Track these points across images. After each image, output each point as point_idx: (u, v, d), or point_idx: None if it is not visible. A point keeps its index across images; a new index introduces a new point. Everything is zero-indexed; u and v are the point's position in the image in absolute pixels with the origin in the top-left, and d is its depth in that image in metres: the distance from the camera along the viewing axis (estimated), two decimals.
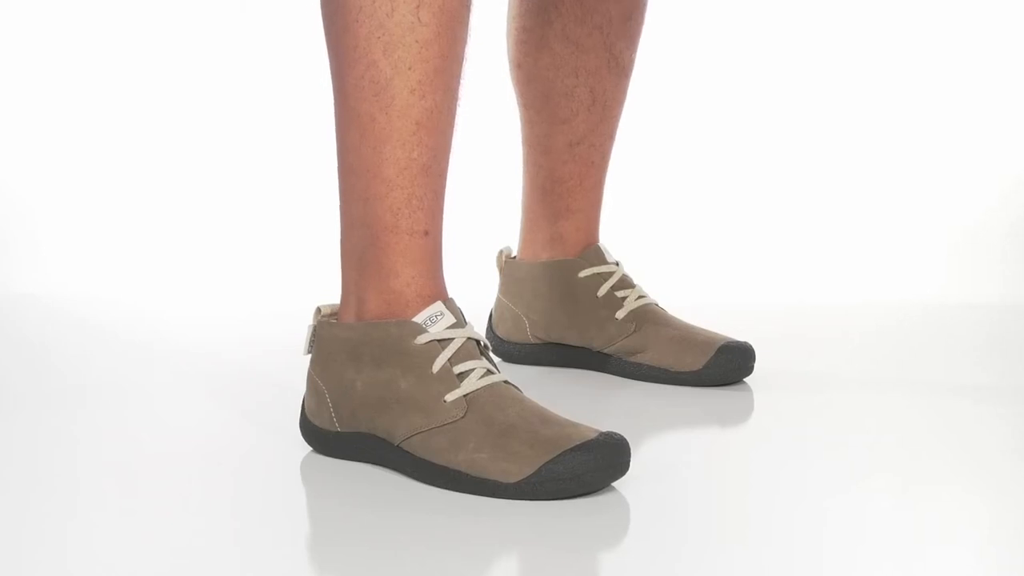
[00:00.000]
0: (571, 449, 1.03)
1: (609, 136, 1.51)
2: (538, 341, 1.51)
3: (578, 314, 1.49)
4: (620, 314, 1.46)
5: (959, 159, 2.40)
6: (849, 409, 1.37)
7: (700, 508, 1.04)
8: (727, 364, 1.42)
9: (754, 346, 1.44)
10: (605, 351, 1.48)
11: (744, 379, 1.45)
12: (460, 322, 1.11)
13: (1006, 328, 1.92)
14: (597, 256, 1.49)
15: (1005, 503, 1.07)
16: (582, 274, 1.49)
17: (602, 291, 1.48)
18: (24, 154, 2.37)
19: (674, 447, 1.25)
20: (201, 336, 1.79)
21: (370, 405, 1.10)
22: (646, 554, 0.93)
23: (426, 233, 1.12)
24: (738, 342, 1.43)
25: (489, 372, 1.10)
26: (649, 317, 1.47)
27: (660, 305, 1.50)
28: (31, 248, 2.25)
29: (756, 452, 1.20)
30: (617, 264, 1.50)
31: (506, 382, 1.11)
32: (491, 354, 1.14)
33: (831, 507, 1.04)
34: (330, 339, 1.14)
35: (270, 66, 2.39)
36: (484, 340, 1.13)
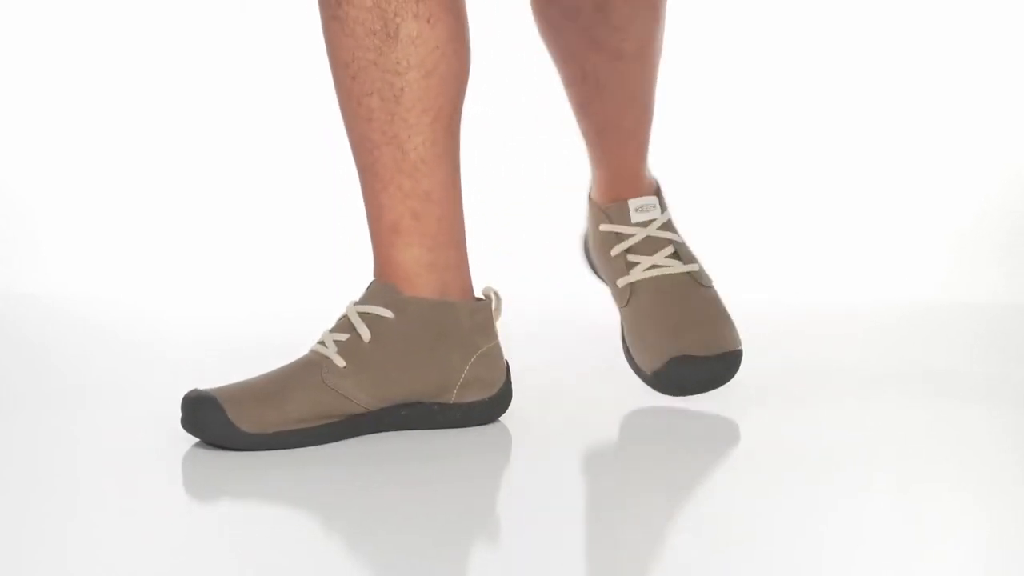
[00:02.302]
0: None
1: (618, 109, 1.44)
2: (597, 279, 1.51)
3: (603, 267, 1.46)
4: (621, 282, 1.41)
5: (958, 158, 2.40)
6: (848, 409, 1.37)
7: (698, 507, 1.04)
8: (675, 378, 1.34)
9: (748, 345, 1.38)
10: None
11: (705, 391, 1.36)
12: None
13: (1005, 326, 1.92)
14: (621, 214, 1.42)
15: (1005, 502, 1.07)
16: (602, 228, 1.44)
17: (615, 252, 1.42)
18: (24, 154, 2.37)
19: (669, 446, 1.25)
20: (201, 336, 1.79)
21: None
22: (645, 553, 0.93)
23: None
24: (700, 357, 1.33)
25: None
26: (646, 293, 1.40)
27: (698, 276, 1.40)
28: (31, 248, 2.25)
29: (754, 451, 1.20)
30: (647, 224, 1.41)
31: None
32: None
33: (829, 507, 1.04)
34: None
35: (270, 66, 2.39)
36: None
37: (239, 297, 2.11)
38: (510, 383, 1.29)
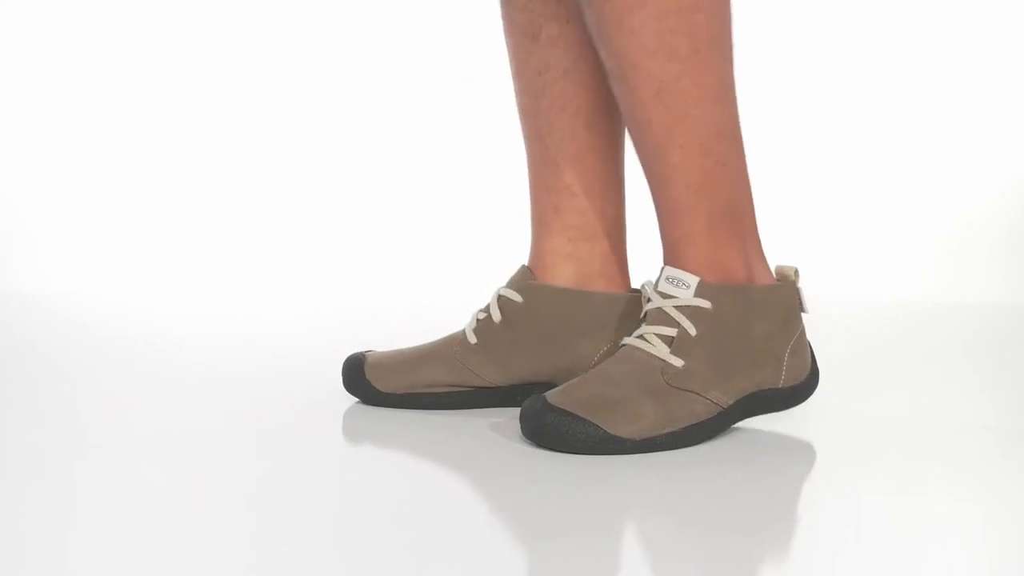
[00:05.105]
0: None
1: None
2: None
3: None
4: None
5: (956, 159, 2.41)
6: (842, 408, 1.37)
7: (693, 505, 1.04)
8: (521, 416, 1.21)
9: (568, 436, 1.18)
10: None
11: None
12: None
13: (1000, 327, 1.93)
14: (658, 278, 1.29)
15: (1001, 502, 1.07)
16: None
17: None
18: (23, 154, 2.37)
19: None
20: (201, 336, 1.79)
21: None
22: (641, 550, 0.94)
23: None
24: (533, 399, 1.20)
25: None
26: (612, 358, 1.26)
27: (670, 372, 1.20)
28: (31, 248, 2.25)
29: (748, 452, 1.20)
30: (667, 298, 1.23)
31: None
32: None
33: (825, 506, 1.05)
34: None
35: (269, 66, 2.39)
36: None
37: (239, 297, 2.11)
38: None
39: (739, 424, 1.32)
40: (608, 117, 1.32)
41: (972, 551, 0.96)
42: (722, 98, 1.24)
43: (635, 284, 1.36)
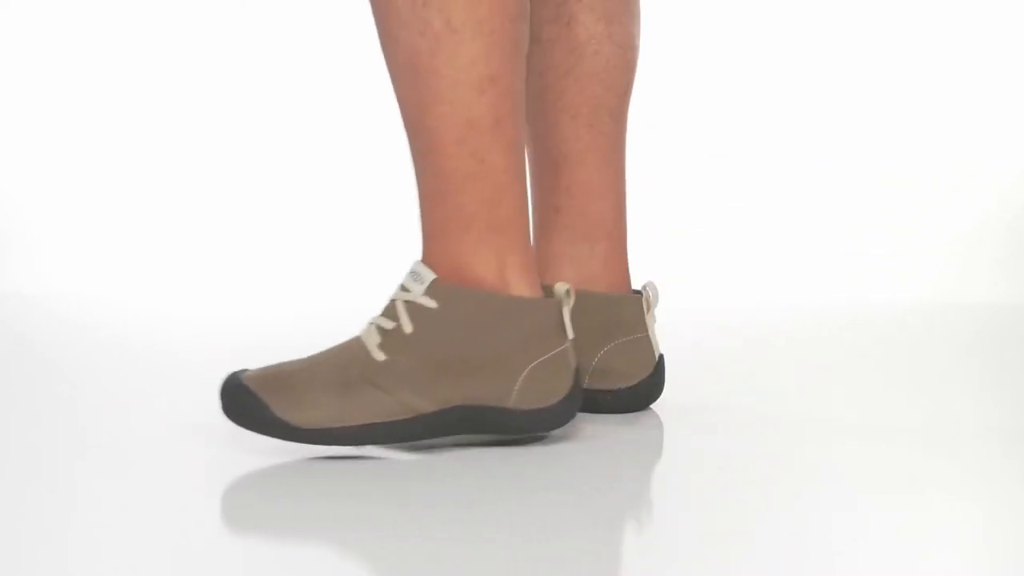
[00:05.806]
0: None
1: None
2: None
3: None
4: None
5: (955, 160, 2.41)
6: (842, 408, 1.37)
7: (690, 505, 1.04)
8: None
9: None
10: None
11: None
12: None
13: (1001, 327, 1.93)
14: None
15: (1001, 502, 1.07)
16: None
17: None
18: (23, 154, 2.37)
19: (664, 435, 1.26)
20: (201, 336, 1.79)
21: None
22: (637, 550, 0.94)
23: None
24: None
25: None
26: None
27: (370, 367, 1.19)
28: (31, 248, 2.25)
29: (745, 451, 1.20)
30: (404, 291, 1.22)
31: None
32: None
33: (822, 506, 1.05)
34: None
35: (269, 68, 2.39)
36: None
37: (239, 297, 2.11)
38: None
39: (737, 422, 1.33)
40: (609, 119, 1.32)
41: (972, 551, 0.96)
42: (486, 89, 1.15)
43: (636, 285, 1.36)
